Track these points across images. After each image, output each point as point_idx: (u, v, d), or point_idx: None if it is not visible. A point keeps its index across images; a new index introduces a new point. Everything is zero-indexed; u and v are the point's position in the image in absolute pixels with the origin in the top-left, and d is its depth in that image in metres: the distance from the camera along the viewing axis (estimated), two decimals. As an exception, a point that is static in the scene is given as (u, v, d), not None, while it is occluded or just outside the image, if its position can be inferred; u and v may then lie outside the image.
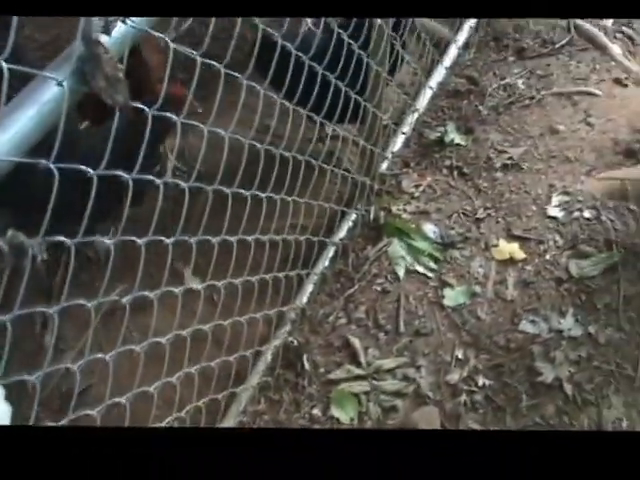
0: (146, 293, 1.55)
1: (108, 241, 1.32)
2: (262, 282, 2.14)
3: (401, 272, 2.55)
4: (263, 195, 1.88)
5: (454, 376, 2.28)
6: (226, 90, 1.56)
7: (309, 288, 2.48)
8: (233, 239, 1.80)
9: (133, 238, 1.43)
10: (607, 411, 2.17)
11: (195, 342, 1.90)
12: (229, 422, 2.13)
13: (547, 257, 2.55)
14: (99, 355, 1.48)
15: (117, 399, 1.55)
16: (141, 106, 1.25)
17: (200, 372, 1.95)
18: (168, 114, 1.35)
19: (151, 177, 1.37)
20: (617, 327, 2.34)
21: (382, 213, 2.70)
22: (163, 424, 1.79)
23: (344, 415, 2.22)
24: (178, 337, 1.80)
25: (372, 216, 2.69)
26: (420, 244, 2.62)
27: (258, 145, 1.84)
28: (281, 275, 2.23)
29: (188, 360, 1.88)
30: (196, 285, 2.32)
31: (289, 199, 2.10)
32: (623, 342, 2.31)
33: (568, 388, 2.22)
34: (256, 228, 1.96)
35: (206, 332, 1.92)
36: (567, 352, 2.29)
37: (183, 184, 1.47)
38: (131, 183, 1.28)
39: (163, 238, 1.51)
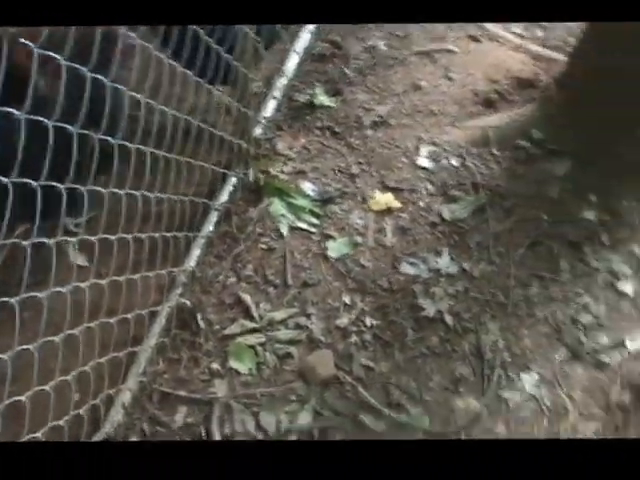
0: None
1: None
2: (152, 243, 2.15)
3: (284, 230, 2.62)
4: (148, 150, 1.89)
5: (343, 320, 2.39)
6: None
7: (196, 251, 2.51)
8: (122, 192, 1.80)
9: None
10: (485, 336, 2.35)
11: (91, 314, 1.90)
12: (131, 383, 2.14)
13: (421, 204, 2.71)
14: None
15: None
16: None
17: (99, 338, 1.95)
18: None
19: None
20: (489, 261, 2.53)
21: (261, 175, 2.76)
22: (69, 378, 1.77)
23: (242, 366, 2.27)
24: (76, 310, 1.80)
25: (251, 178, 2.74)
26: (300, 202, 2.70)
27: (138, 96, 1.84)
28: (169, 235, 2.24)
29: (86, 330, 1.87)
30: (82, 262, 2.31)
31: (170, 156, 2.12)
32: (495, 274, 2.50)
33: (449, 319, 2.38)
34: (142, 185, 1.97)
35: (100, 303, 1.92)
36: (445, 287, 2.46)
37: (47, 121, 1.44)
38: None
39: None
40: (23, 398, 1.62)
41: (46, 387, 1.69)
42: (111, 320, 2.00)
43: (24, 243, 1.50)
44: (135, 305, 2.17)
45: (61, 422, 1.78)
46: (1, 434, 1.51)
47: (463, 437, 2.12)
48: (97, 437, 2.02)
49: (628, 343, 2.30)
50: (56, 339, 1.73)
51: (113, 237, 1.87)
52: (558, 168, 2.72)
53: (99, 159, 1.63)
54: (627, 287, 2.44)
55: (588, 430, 2.11)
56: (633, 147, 2.67)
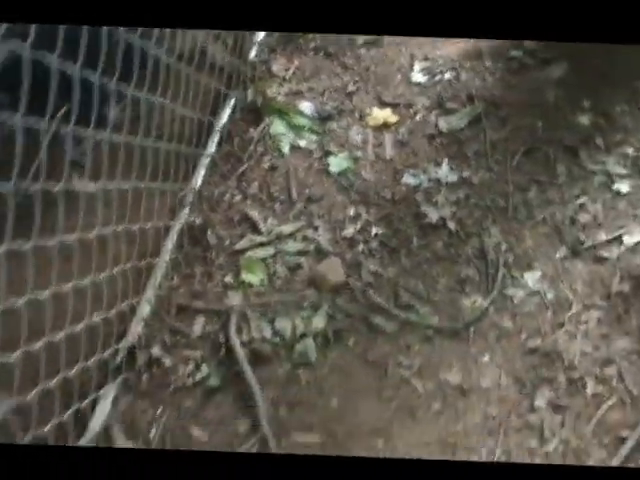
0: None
1: None
2: (162, 158, 2.19)
3: (286, 148, 2.66)
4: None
5: (349, 230, 2.46)
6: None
7: (202, 171, 2.55)
8: (140, 94, 1.86)
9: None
10: (488, 239, 2.42)
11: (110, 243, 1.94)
12: (149, 295, 2.21)
13: (417, 118, 2.76)
14: None
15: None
16: None
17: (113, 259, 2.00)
18: None
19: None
20: (487, 169, 2.59)
21: (259, 97, 2.79)
22: (85, 282, 1.82)
23: (254, 278, 2.34)
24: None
25: (250, 100, 2.77)
26: (299, 121, 2.74)
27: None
28: (176, 151, 2.28)
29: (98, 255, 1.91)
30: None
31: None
32: (494, 181, 2.57)
33: (451, 225, 2.45)
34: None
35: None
36: (447, 195, 2.52)
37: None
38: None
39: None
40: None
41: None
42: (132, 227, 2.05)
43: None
44: (147, 221, 2.22)
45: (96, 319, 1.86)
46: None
47: (470, 338, 2.21)
48: (123, 344, 2.10)
49: (625, 238, 2.38)
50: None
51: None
52: (551, 76, 2.77)
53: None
54: (622, 187, 2.51)
55: (591, 319, 2.20)
56: (624, 53, 2.72)
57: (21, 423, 1.63)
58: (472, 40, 2.92)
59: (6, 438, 1.59)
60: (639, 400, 2.03)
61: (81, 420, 1.97)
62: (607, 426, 2.00)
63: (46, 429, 1.71)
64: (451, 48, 2.93)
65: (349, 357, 2.20)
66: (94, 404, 2.04)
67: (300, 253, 2.40)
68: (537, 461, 1.97)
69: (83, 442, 1.98)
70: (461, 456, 1.99)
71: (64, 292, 1.73)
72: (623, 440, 1.95)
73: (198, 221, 2.43)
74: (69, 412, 1.84)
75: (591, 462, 1.92)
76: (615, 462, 1.91)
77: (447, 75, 2.85)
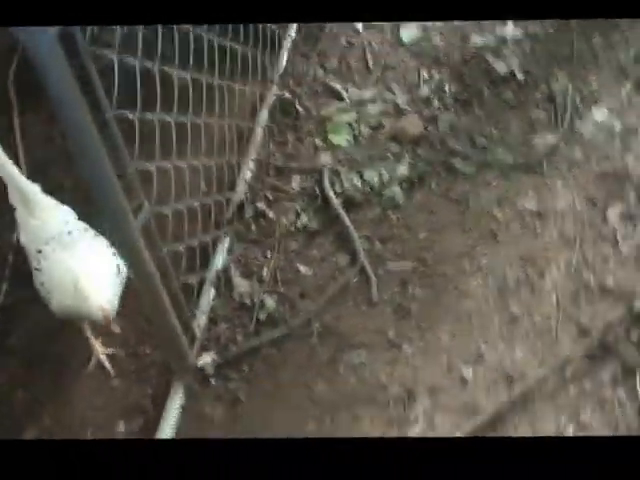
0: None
1: None
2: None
3: (359, 25, 2.88)
4: None
5: (424, 90, 2.67)
6: None
7: (285, 52, 2.80)
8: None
9: None
10: (555, 84, 2.59)
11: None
12: (249, 161, 2.50)
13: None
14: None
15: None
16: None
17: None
18: None
19: None
20: (551, 23, 2.74)
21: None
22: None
23: (341, 139, 2.59)
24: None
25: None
26: None
27: None
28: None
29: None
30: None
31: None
32: (558, 32, 2.72)
33: (520, 76, 2.62)
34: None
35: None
36: (514, 49, 2.69)
37: None
38: None
39: None
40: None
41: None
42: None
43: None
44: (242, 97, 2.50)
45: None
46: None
47: (544, 170, 2.40)
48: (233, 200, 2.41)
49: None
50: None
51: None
52: None
53: None
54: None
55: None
56: None
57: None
58: None
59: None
60: None
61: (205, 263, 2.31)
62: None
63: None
64: None
65: (432, 197, 2.44)
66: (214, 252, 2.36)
67: (381, 114, 2.63)
68: (611, 265, 2.17)
69: (207, 279, 2.30)
70: (538, 269, 2.22)
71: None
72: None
73: (287, 94, 2.69)
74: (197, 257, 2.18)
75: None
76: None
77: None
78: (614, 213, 2.25)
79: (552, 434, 1.96)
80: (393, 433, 2.08)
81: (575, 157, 2.41)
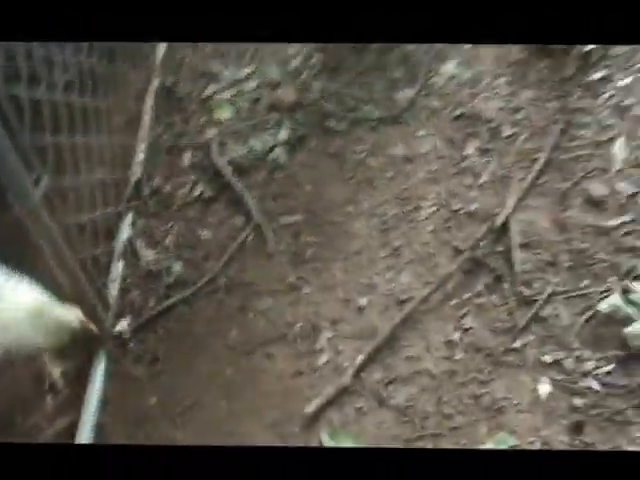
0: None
1: None
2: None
3: (228, 12, 3.09)
4: None
5: (295, 62, 2.91)
6: None
7: (163, 44, 2.98)
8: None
9: None
10: (409, 46, 2.89)
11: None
12: (140, 141, 2.66)
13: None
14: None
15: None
16: None
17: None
18: None
19: None
20: None
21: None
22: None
23: (225, 114, 2.80)
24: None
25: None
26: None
27: None
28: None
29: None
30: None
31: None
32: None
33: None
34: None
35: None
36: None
37: None
38: None
39: None
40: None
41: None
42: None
43: None
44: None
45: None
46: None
47: (407, 120, 2.69)
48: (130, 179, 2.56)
49: None
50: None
51: None
52: None
53: None
54: None
55: (500, 84, 2.69)
56: None
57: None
58: None
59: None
60: (544, 131, 2.53)
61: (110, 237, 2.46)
62: (523, 154, 2.51)
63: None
64: None
65: (313, 155, 2.69)
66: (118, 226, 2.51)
67: (257, 87, 2.86)
68: (473, 193, 2.48)
69: (115, 251, 2.45)
70: (412, 204, 2.50)
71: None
72: (535, 160, 2.47)
73: (169, 81, 2.87)
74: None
75: (512, 176, 2.44)
76: (530, 177, 2.41)
77: None
78: (471, 149, 2.56)
79: (442, 343, 2.24)
80: (303, 365, 2.30)
81: (433, 106, 2.71)
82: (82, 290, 2.16)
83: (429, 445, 2.08)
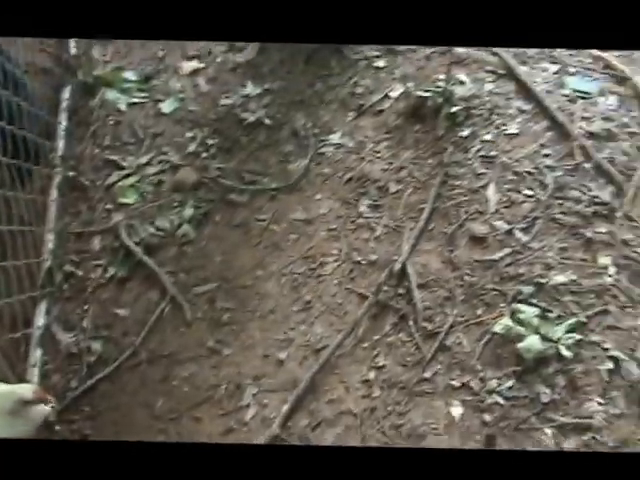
0: None
1: None
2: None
3: (123, 106, 3.28)
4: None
5: (192, 147, 3.11)
6: None
7: (61, 140, 3.11)
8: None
9: None
10: (297, 123, 3.15)
11: None
12: (49, 231, 2.75)
13: (218, 60, 3.46)
14: None
15: None
16: None
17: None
18: None
19: None
20: (282, 79, 3.33)
21: (89, 77, 3.38)
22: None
23: (129, 199, 2.94)
24: None
25: (83, 81, 3.36)
26: (126, 85, 3.37)
27: None
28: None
29: None
30: None
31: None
32: (289, 84, 3.31)
33: (267, 121, 3.16)
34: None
35: None
36: (257, 102, 3.23)
37: None
38: None
39: None
40: None
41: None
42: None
43: None
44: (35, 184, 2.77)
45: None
46: None
47: (303, 187, 2.92)
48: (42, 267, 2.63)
49: (391, 93, 3.19)
50: None
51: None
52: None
53: None
54: (380, 63, 3.33)
55: (381, 148, 2.98)
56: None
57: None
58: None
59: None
60: (426, 185, 2.82)
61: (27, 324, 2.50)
62: (410, 206, 2.77)
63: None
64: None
65: (219, 228, 2.85)
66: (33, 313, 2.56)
67: (159, 172, 3.03)
68: (371, 245, 2.71)
69: (33, 338, 2.49)
70: (318, 261, 2.69)
71: None
72: (421, 210, 2.73)
73: (71, 173, 2.99)
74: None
75: (403, 226, 2.69)
76: (419, 225, 2.67)
77: (232, 25, 3.58)
78: (364, 207, 2.81)
79: (360, 383, 2.40)
80: (231, 422, 2.39)
81: (325, 172, 2.96)
82: (4, 376, 2.19)
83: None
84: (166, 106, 3.28)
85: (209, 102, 3.29)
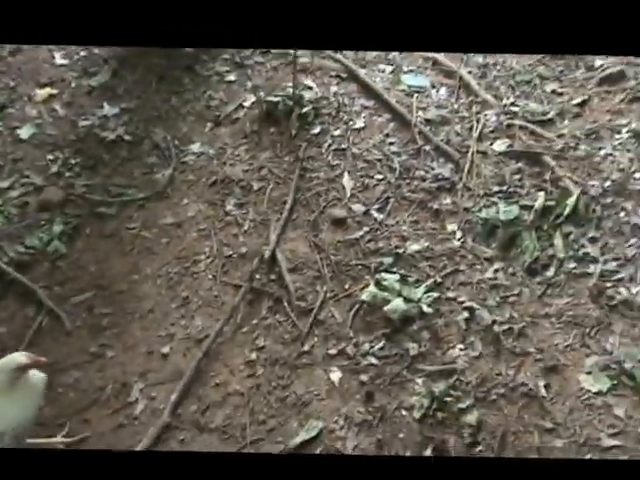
0: None
1: None
2: None
3: (-22, 136, 3.27)
4: None
5: (54, 168, 3.14)
6: None
7: None
8: None
9: None
10: (156, 136, 3.26)
11: None
12: None
13: (73, 85, 3.52)
14: None
15: None
16: None
17: None
18: None
19: None
20: (138, 97, 3.44)
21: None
22: None
23: (-6, 221, 2.93)
24: None
25: None
26: (-19, 117, 3.36)
27: None
28: None
29: None
30: None
31: None
32: (146, 102, 3.43)
33: (127, 137, 3.26)
34: None
35: None
36: (114, 122, 3.32)
37: None
38: None
39: None
40: None
41: None
42: None
43: None
44: None
45: None
46: None
47: (170, 194, 3.03)
48: None
49: (245, 103, 3.38)
50: None
51: None
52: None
53: None
54: (231, 76, 3.52)
55: (240, 151, 3.15)
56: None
57: None
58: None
59: None
60: (286, 180, 3.01)
61: None
62: (273, 200, 2.95)
63: None
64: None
65: (91, 240, 2.91)
66: None
67: (23, 195, 3.04)
68: (241, 240, 2.85)
69: None
70: (191, 260, 2.80)
71: None
72: (285, 202, 2.92)
73: None
74: None
75: (269, 219, 2.86)
76: (283, 216, 2.85)
77: (83, 53, 3.67)
78: (230, 206, 2.96)
79: (243, 364, 2.52)
80: (121, 418, 2.44)
81: (190, 179, 3.08)
82: None
83: (252, 450, 2.31)
84: (24, 132, 3.30)
85: (68, 125, 3.34)
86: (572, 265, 2.61)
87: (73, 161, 3.17)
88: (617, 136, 2.96)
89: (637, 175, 2.80)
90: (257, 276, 2.71)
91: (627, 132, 2.96)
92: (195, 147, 3.21)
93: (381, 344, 2.51)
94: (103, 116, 3.35)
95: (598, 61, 3.31)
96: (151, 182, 3.09)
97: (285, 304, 2.65)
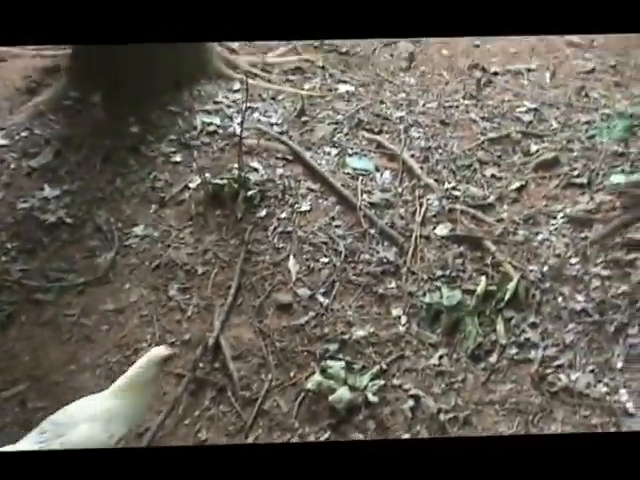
0: None
1: None
2: None
3: None
4: None
5: (-9, 252, 3.06)
6: None
7: None
8: None
9: None
10: (99, 219, 3.21)
11: None
12: None
13: (12, 166, 3.46)
14: None
15: None
16: None
17: None
18: None
19: None
20: (80, 179, 3.40)
21: None
22: None
23: None
24: None
25: None
26: None
27: None
28: None
29: None
30: None
31: None
32: (88, 183, 3.38)
33: (68, 220, 3.19)
34: None
35: None
36: (56, 204, 3.26)
37: None
38: None
39: None
40: None
41: None
42: None
43: None
44: None
45: None
46: None
47: (112, 278, 2.96)
48: None
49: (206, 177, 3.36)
50: None
51: None
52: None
53: None
54: (177, 158, 3.51)
55: (185, 234, 3.12)
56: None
57: None
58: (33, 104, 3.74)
59: None
60: (231, 263, 2.98)
61: None
62: (218, 285, 2.91)
63: None
64: (22, 115, 3.71)
65: (26, 328, 2.81)
66: None
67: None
68: (184, 326, 2.79)
69: None
70: (132, 348, 2.73)
71: None
72: (229, 287, 2.88)
73: None
74: None
75: (213, 304, 2.81)
76: (228, 301, 2.81)
77: (23, 133, 3.63)
78: (173, 290, 2.91)
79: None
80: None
81: (132, 263, 3.03)
82: None
83: None
84: (-32, 211, 3.21)
85: (5, 207, 3.27)
86: (514, 351, 2.63)
87: (9, 245, 3.09)
88: (553, 221, 3.04)
89: (573, 260, 2.86)
90: (200, 364, 2.65)
91: (562, 217, 3.04)
92: (139, 230, 3.17)
93: (327, 435, 2.46)
94: (43, 198, 3.29)
95: (534, 146, 3.43)
96: (92, 266, 3.03)
97: (229, 394, 2.59)
